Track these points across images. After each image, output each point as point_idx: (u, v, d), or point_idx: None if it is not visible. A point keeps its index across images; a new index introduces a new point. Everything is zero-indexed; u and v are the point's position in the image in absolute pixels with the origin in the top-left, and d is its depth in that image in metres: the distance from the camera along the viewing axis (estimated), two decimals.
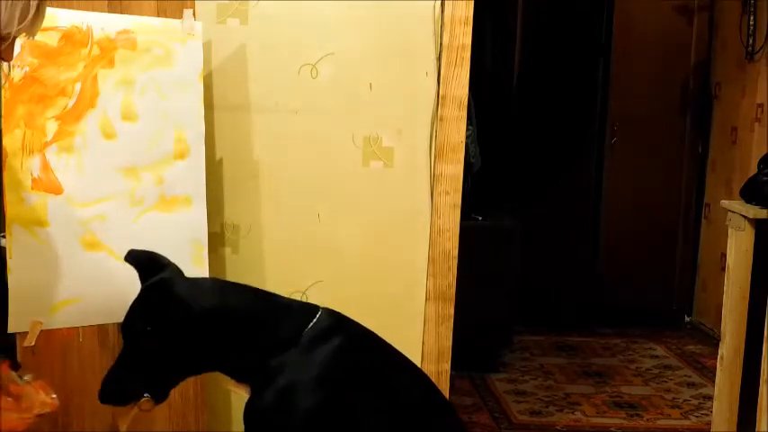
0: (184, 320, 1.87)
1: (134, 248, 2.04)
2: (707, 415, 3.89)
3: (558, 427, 3.83)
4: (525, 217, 5.09)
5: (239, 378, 1.96)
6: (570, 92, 5.43)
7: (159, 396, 1.93)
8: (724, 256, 3.46)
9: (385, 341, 2.12)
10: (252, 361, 1.92)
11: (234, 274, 2.88)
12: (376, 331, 2.97)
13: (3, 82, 2.29)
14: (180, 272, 1.97)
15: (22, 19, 1.68)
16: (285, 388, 1.88)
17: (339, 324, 2.06)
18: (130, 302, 2.06)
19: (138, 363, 1.90)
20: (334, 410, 1.89)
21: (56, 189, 2.36)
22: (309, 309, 2.05)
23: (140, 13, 2.51)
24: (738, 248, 3.16)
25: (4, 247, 2.33)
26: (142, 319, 1.89)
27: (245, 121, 2.85)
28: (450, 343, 2.99)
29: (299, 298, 2.92)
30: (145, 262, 2.01)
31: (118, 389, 1.91)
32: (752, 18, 4.95)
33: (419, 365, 2.98)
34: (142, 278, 1.98)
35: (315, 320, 2.00)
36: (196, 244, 2.55)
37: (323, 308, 2.07)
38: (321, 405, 1.88)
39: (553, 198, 5.50)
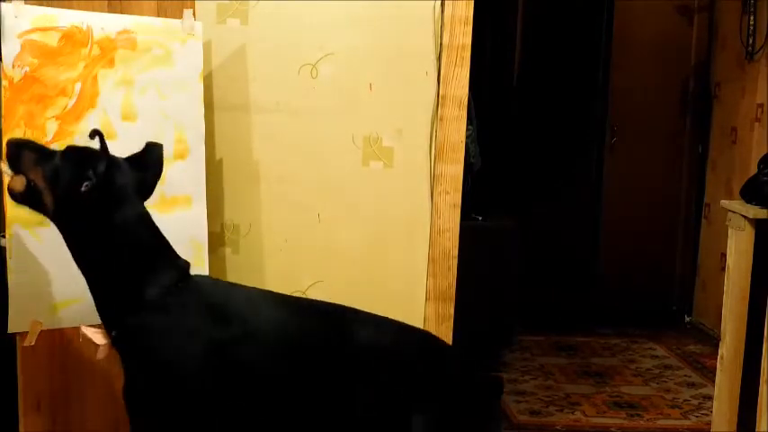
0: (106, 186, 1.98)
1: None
2: (707, 415, 3.89)
3: (558, 427, 3.83)
4: (525, 217, 5.09)
5: (104, 316, 2.04)
6: (570, 92, 5.43)
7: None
8: (724, 256, 3.46)
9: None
10: (119, 298, 2.01)
11: (234, 274, 2.88)
12: None
13: (3, 82, 2.29)
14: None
15: None
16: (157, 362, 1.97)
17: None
18: None
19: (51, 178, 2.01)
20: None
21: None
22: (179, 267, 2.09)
23: (140, 13, 2.52)
24: (738, 248, 3.16)
25: (4, 247, 2.33)
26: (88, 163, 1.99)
27: (245, 121, 2.85)
28: (449, 343, 2.99)
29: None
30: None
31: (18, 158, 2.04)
32: (752, 18, 4.95)
33: None
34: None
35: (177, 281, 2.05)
36: (196, 244, 2.55)
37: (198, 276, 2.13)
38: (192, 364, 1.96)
39: (553, 198, 5.50)
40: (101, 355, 2.12)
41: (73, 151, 2.06)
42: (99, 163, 1.99)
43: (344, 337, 2.09)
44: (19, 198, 2.07)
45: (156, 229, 2.09)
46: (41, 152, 2.06)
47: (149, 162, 2.13)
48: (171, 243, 2.23)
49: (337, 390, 2.03)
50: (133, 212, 2.04)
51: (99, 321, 2.47)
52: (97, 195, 1.98)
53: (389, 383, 2.04)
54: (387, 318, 2.19)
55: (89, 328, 2.13)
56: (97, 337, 2.11)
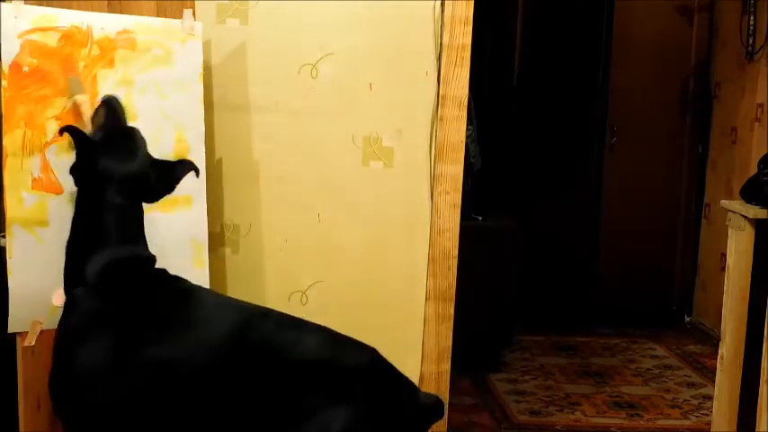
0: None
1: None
2: (707, 415, 3.89)
3: (558, 427, 3.83)
4: (525, 217, 5.09)
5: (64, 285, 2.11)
6: (570, 92, 5.43)
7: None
8: (724, 256, 3.46)
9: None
10: (71, 269, 2.08)
11: (234, 274, 2.88)
12: (376, 331, 2.98)
13: (3, 82, 2.29)
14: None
15: None
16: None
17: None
18: None
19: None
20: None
21: (56, 189, 2.36)
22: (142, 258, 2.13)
23: (140, 13, 2.52)
24: (738, 248, 3.16)
25: (4, 247, 2.33)
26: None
27: (245, 121, 2.85)
28: (450, 343, 2.99)
29: (299, 298, 2.93)
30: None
31: None
32: (752, 18, 4.95)
33: (419, 365, 2.98)
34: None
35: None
36: (196, 244, 2.55)
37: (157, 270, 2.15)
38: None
39: (553, 198, 5.50)
40: (55, 302, 2.22)
41: (107, 133, 2.16)
42: (82, 148, 2.08)
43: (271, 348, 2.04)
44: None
45: (125, 220, 2.12)
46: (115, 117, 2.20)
47: (172, 174, 2.20)
48: (171, 243, 2.24)
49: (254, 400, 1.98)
50: (109, 200, 2.08)
51: None
52: (77, 175, 2.09)
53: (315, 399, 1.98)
54: (330, 331, 2.14)
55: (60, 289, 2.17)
56: (57, 297, 2.19)
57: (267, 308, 2.19)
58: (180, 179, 2.22)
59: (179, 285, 2.14)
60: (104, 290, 2.05)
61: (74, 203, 2.33)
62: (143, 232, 2.16)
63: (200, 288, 2.18)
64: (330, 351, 2.07)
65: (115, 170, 2.10)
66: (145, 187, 2.16)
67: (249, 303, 2.19)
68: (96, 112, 2.22)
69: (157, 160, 2.20)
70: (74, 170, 2.09)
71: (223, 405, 1.96)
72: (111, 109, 2.20)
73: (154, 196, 2.21)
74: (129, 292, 2.06)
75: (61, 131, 2.11)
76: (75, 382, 2.00)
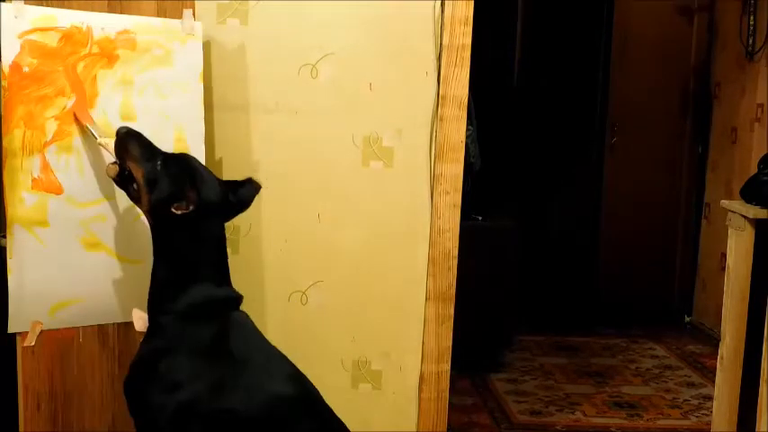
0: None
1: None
2: (707, 415, 3.89)
3: (558, 427, 3.83)
4: (525, 217, 5.10)
5: (149, 301, 2.19)
6: (570, 92, 5.43)
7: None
8: (724, 256, 3.46)
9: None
10: (159, 294, 2.16)
11: (234, 274, 2.87)
12: (376, 331, 2.99)
13: (2, 82, 2.29)
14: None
15: None
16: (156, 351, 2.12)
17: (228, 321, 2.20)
18: (130, 303, 2.15)
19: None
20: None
21: (56, 189, 2.36)
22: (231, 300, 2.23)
23: (140, 13, 2.51)
24: (738, 248, 3.16)
25: (4, 247, 2.33)
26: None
27: (245, 121, 2.85)
28: (450, 343, 2.99)
29: (298, 298, 2.93)
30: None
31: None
32: (752, 18, 4.95)
33: (419, 365, 2.98)
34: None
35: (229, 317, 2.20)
36: None
37: (239, 312, 2.25)
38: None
39: (553, 198, 5.50)
40: (138, 327, 2.26)
41: (175, 164, 2.20)
42: (193, 191, 2.15)
43: None
44: (115, 180, 2.26)
45: (221, 251, 2.23)
46: (147, 149, 2.20)
47: (244, 195, 2.29)
48: None
49: None
50: (216, 230, 2.22)
51: (98, 322, 2.49)
52: (188, 217, 2.14)
53: None
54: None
55: (139, 311, 2.25)
56: (139, 322, 2.24)
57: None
58: (251, 199, 2.32)
59: (253, 333, 2.24)
60: (193, 321, 2.14)
61: (74, 203, 2.33)
62: (227, 265, 2.26)
63: (266, 343, 2.26)
64: None
65: (214, 198, 2.19)
66: (226, 204, 2.25)
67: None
68: (122, 146, 2.21)
69: (229, 181, 2.29)
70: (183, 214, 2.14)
71: None
72: (138, 140, 2.22)
73: (230, 217, 2.31)
74: (214, 330, 2.15)
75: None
76: (150, 389, 2.10)
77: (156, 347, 2.14)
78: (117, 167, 2.22)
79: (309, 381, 2.23)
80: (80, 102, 2.36)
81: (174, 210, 2.13)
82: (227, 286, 2.24)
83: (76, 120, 2.36)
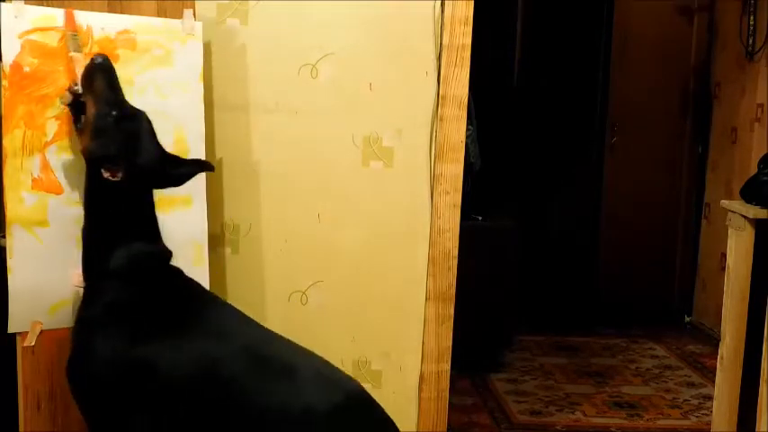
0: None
1: None
2: (707, 415, 3.89)
3: (558, 427, 3.83)
4: (525, 217, 5.10)
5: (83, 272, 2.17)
6: (570, 92, 5.43)
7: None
8: (724, 256, 3.46)
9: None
10: (92, 256, 2.14)
11: (234, 274, 2.88)
12: (376, 331, 2.99)
13: (3, 82, 2.29)
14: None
15: None
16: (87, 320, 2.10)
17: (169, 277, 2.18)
18: None
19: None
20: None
21: (56, 189, 2.36)
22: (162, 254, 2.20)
23: (140, 13, 2.51)
24: (738, 248, 3.16)
25: (4, 247, 2.33)
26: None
27: (245, 121, 2.85)
28: (450, 343, 2.99)
29: (299, 298, 2.93)
30: None
31: None
32: (752, 18, 4.95)
33: (419, 365, 2.98)
34: None
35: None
36: (196, 244, 2.55)
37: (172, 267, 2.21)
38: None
39: (553, 198, 5.50)
40: (74, 282, 2.25)
41: (126, 124, 2.17)
42: (125, 161, 2.12)
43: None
44: (66, 103, 2.24)
45: (150, 210, 2.21)
46: (111, 91, 2.19)
47: (181, 173, 2.26)
48: (171, 243, 2.25)
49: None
50: (141, 196, 2.18)
51: None
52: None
53: None
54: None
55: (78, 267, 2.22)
56: (76, 278, 2.24)
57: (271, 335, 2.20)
58: (187, 177, 2.28)
59: (198, 289, 2.22)
60: (128, 283, 2.11)
61: (74, 203, 2.33)
62: (157, 222, 2.23)
63: (214, 297, 2.25)
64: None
65: (140, 170, 2.16)
66: (161, 177, 2.23)
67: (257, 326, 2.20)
68: (90, 75, 2.20)
69: (171, 155, 2.27)
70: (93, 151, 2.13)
71: (214, 418, 1.97)
72: (108, 78, 2.20)
73: (163, 185, 2.27)
74: (152, 288, 2.13)
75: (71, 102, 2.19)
76: (89, 368, 2.06)
77: (88, 318, 2.11)
78: (71, 96, 2.21)
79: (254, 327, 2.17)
80: (42, 163, 2.33)
81: (102, 171, 2.11)
82: (157, 242, 2.21)
83: (66, 20, 2.32)
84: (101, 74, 2.18)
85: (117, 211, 2.15)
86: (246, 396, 1.97)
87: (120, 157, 2.12)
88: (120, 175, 2.11)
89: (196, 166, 2.31)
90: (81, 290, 2.21)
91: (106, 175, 2.11)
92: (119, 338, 2.04)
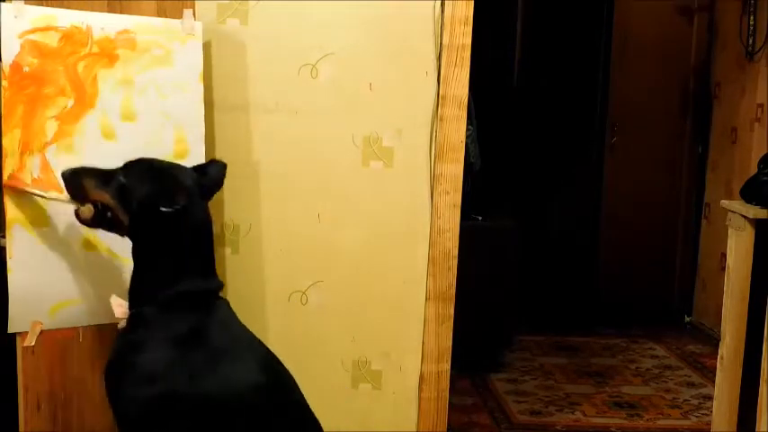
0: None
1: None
2: (707, 415, 3.89)
3: (558, 427, 3.83)
4: (525, 217, 5.09)
5: (131, 298, 2.17)
6: (570, 92, 5.43)
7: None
8: (724, 256, 3.46)
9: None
10: (142, 287, 2.14)
11: (234, 274, 2.88)
12: (376, 331, 2.99)
13: (3, 82, 2.29)
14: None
15: None
16: (138, 342, 2.10)
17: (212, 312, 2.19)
18: None
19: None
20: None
21: (56, 189, 2.36)
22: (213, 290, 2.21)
23: (140, 13, 2.51)
24: (738, 248, 3.16)
25: (4, 247, 2.33)
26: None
27: (245, 121, 2.85)
28: (450, 343, 2.99)
29: (298, 298, 2.93)
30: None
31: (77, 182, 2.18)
32: (752, 18, 4.95)
33: (419, 365, 2.98)
34: None
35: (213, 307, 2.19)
36: None
37: (223, 299, 2.24)
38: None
39: (553, 198, 5.50)
40: (117, 314, 2.22)
41: (137, 166, 2.17)
42: (180, 187, 2.13)
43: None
44: (90, 224, 2.20)
45: (210, 240, 2.22)
46: (101, 174, 2.17)
47: (214, 175, 2.27)
48: None
49: None
50: (201, 217, 2.20)
51: (98, 322, 2.49)
52: (177, 213, 2.10)
53: None
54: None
55: (117, 298, 2.22)
56: (119, 309, 2.20)
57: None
58: (221, 176, 2.30)
59: (233, 323, 2.23)
60: (175, 315, 2.12)
61: (73, 204, 2.33)
62: (213, 253, 2.23)
63: (245, 333, 2.25)
64: None
65: (194, 188, 2.18)
66: (208, 194, 2.25)
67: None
68: (74, 185, 2.18)
69: (196, 167, 2.28)
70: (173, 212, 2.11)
71: None
72: (84, 171, 2.20)
73: (210, 195, 2.29)
74: (195, 321, 2.13)
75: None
76: (125, 382, 2.09)
77: (133, 340, 2.12)
78: (90, 207, 2.18)
79: (285, 368, 2.22)
80: (13, 175, 2.31)
81: (163, 209, 2.09)
82: (212, 276, 2.22)
83: (13, 190, 2.30)
84: (80, 176, 2.17)
85: (174, 246, 2.14)
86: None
87: (168, 188, 2.12)
88: (181, 202, 2.10)
89: (219, 166, 2.31)
90: (120, 318, 2.21)
91: (170, 209, 2.09)
92: (164, 366, 2.07)
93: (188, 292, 2.13)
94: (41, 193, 2.28)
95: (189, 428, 2.05)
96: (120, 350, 2.15)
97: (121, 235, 2.21)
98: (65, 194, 2.22)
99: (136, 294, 2.17)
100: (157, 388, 2.05)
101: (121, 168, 2.17)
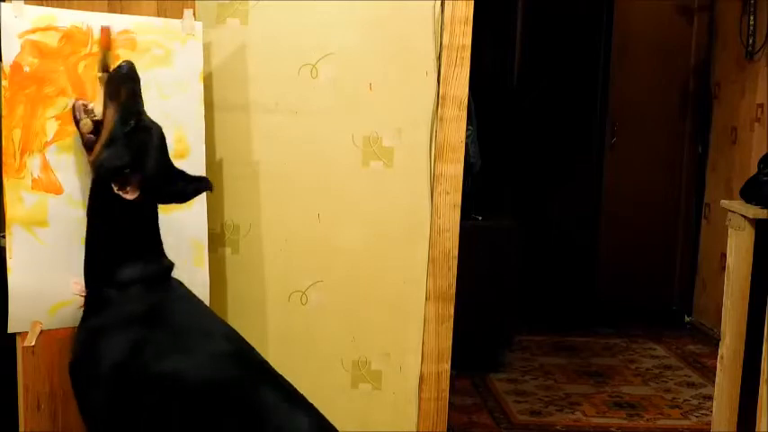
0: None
1: None
2: (707, 415, 3.89)
3: (558, 427, 3.83)
4: (525, 217, 5.10)
5: (86, 272, 2.19)
6: (570, 92, 5.43)
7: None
8: (724, 256, 3.46)
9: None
10: (99, 266, 2.16)
11: (234, 274, 2.88)
12: (376, 331, 2.99)
13: (3, 82, 2.29)
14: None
15: None
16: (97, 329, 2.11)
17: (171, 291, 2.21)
18: None
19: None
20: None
21: (56, 189, 2.36)
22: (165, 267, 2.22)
23: (140, 13, 2.51)
24: (738, 248, 3.16)
25: (4, 247, 2.33)
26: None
27: (245, 121, 2.85)
28: (450, 343, 2.99)
29: (298, 298, 2.93)
30: None
31: None
32: (752, 18, 4.95)
33: (419, 365, 2.98)
34: None
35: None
36: (196, 244, 2.55)
37: (176, 279, 2.24)
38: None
39: (553, 198, 5.50)
40: (74, 290, 2.27)
41: (142, 137, 2.18)
42: (138, 178, 2.13)
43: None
44: (85, 131, 2.22)
45: (156, 224, 2.22)
46: (133, 102, 2.18)
47: (188, 189, 2.30)
48: (171, 243, 2.25)
49: None
50: (148, 211, 2.20)
51: None
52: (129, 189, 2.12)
53: None
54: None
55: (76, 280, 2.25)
56: (76, 286, 2.25)
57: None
58: (194, 194, 2.33)
59: (193, 300, 2.24)
60: (135, 296, 2.14)
61: (74, 203, 2.33)
62: (160, 236, 2.25)
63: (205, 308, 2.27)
64: None
65: (151, 187, 2.18)
66: (169, 192, 2.26)
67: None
68: (116, 83, 2.19)
69: (179, 171, 2.29)
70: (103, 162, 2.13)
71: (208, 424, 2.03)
72: (133, 87, 2.20)
73: (169, 200, 2.29)
74: (156, 302, 2.15)
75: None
76: (92, 373, 2.09)
77: (96, 326, 2.13)
78: (92, 124, 2.20)
79: (245, 341, 2.22)
80: (42, 162, 2.34)
81: (112, 185, 2.12)
82: (162, 256, 2.24)
83: (102, 37, 2.33)
84: (127, 83, 2.19)
85: (124, 225, 2.16)
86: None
87: (131, 169, 2.12)
88: (128, 193, 2.12)
89: (203, 185, 2.33)
90: (80, 297, 2.23)
91: (117, 191, 2.12)
92: (129, 348, 2.07)
93: (148, 273, 2.15)
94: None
95: (162, 408, 2.04)
96: (84, 340, 2.15)
97: (87, 155, 2.22)
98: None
99: (92, 272, 2.19)
100: (126, 370, 2.05)
101: (137, 122, 2.17)
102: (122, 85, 2.18)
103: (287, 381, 2.16)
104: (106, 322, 2.12)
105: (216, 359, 2.10)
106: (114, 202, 2.14)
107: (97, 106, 2.22)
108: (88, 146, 2.21)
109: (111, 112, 2.17)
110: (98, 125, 2.19)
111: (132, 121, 2.16)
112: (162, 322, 2.12)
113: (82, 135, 2.23)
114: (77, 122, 2.23)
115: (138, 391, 2.05)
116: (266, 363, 2.19)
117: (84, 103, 2.24)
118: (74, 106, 2.26)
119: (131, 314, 2.11)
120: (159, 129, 2.25)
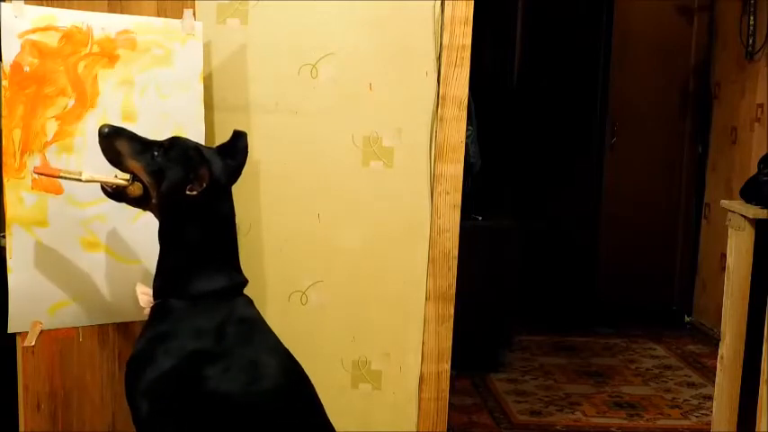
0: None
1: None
2: (707, 415, 3.89)
3: (558, 427, 3.83)
4: (525, 217, 5.10)
5: (156, 281, 2.15)
6: (570, 92, 5.43)
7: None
8: (724, 256, 3.46)
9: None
10: (171, 278, 2.12)
11: None
12: (376, 331, 2.99)
13: (3, 82, 2.29)
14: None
15: None
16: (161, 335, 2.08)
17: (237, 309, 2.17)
18: (130, 303, 2.10)
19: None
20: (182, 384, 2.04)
21: (56, 189, 2.36)
22: (236, 284, 2.19)
23: (140, 13, 2.51)
24: (738, 248, 3.16)
25: (4, 247, 2.34)
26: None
27: (245, 121, 2.85)
28: (450, 343, 2.99)
29: (299, 298, 2.93)
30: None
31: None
32: (752, 18, 4.95)
33: (419, 365, 2.98)
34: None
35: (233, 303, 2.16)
36: None
37: (246, 295, 2.21)
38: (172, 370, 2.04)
39: (553, 198, 5.50)
40: (141, 303, 2.20)
41: (174, 148, 2.15)
42: (204, 168, 2.10)
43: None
44: (113, 195, 2.18)
45: (231, 237, 2.22)
46: (138, 142, 2.15)
47: (237, 150, 2.26)
48: None
49: None
50: (227, 205, 2.21)
51: (99, 321, 2.49)
52: (201, 196, 2.10)
53: None
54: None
55: (142, 286, 2.20)
56: (144, 297, 2.18)
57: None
58: (245, 148, 2.29)
59: (259, 323, 2.21)
60: (205, 310, 2.11)
61: (74, 203, 2.33)
62: (237, 246, 2.24)
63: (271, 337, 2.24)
64: None
65: (220, 172, 2.16)
66: (234, 173, 2.25)
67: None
68: (110, 146, 2.15)
69: (220, 147, 2.26)
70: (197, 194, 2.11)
71: None
72: (126, 134, 2.17)
73: (237, 176, 2.28)
74: (223, 319, 2.11)
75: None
76: (149, 378, 2.05)
77: (160, 332, 2.10)
78: (140, 186, 2.15)
79: (305, 375, 2.21)
80: (43, 164, 2.31)
81: (188, 192, 2.09)
82: (237, 271, 2.21)
83: (46, 175, 2.26)
84: (117, 138, 2.15)
85: (201, 234, 2.13)
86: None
87: (195, 171, 2.10)
88: (204, 184, 2.09)
89: (241, 138, 2.29)
90: (144, 307, 2.19)
91: (194, 192, 2.09)
92: (187, 356, 2.05)
93: (220, 288, 2.12)
94: (75, 176, 2.19)
95: (203, 427, 2.04)
96: (146, 343, 2.11)
97: (143, 209, 2.20)
98: (99, 175, 2.18)
99: (163, 284, 2.14)
100: (180, 376, 2.03)
101: (160, 144, 2.15)
102: (116, 139, 2.14)
103: (329, 421, 2.19)
104: (171, 329, 2.08)
105: (267, 392, 2.08)
106: (188, 218, 2.11)
107: (120, 177, 2.18)
108: (144, 201, 2.18)
109: (134, 163, 2.14)
110: (139, 180, 2.15)
111: (155, 148, 2.14)
112: (225, 341, 2.09)
113: (137, 201, 2.18)
114: (125, 196, 2.18)
115: (186, 402, 2.03)
116: (316, 398, 2.19)
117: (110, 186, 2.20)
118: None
119: (198, 327, 2.08)
120: (177, 137, 2.24)
